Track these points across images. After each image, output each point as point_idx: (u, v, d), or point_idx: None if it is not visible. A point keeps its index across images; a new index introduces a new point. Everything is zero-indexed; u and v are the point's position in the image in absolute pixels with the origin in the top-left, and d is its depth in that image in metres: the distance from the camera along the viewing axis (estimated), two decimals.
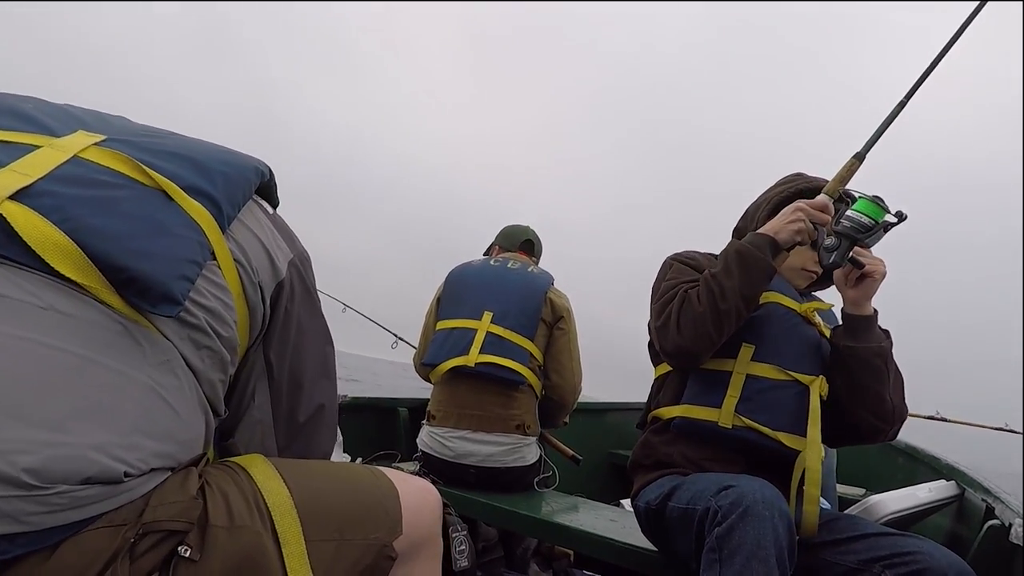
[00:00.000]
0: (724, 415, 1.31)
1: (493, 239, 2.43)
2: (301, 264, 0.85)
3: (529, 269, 2.15)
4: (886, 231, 1.27)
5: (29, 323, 0.60)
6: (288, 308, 0.82)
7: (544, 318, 2.05)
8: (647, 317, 1.44)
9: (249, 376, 0.81)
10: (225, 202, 0.74)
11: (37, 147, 0.70)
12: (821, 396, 1.31)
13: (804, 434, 1.27)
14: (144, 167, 0.70)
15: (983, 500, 1.69)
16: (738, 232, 1.57)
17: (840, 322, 1.37)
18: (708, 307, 1.26)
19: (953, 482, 1.91)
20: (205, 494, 0.66)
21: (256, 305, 0.77)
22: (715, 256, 1.49)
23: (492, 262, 2.18)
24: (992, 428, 3.65)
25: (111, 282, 0.64)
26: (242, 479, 0.70)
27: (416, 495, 0.81)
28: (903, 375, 1.37)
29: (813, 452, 1.24)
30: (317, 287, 0.90)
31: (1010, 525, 1.38)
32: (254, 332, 0.79)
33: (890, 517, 1.67)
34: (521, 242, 2.36)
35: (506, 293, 2.05)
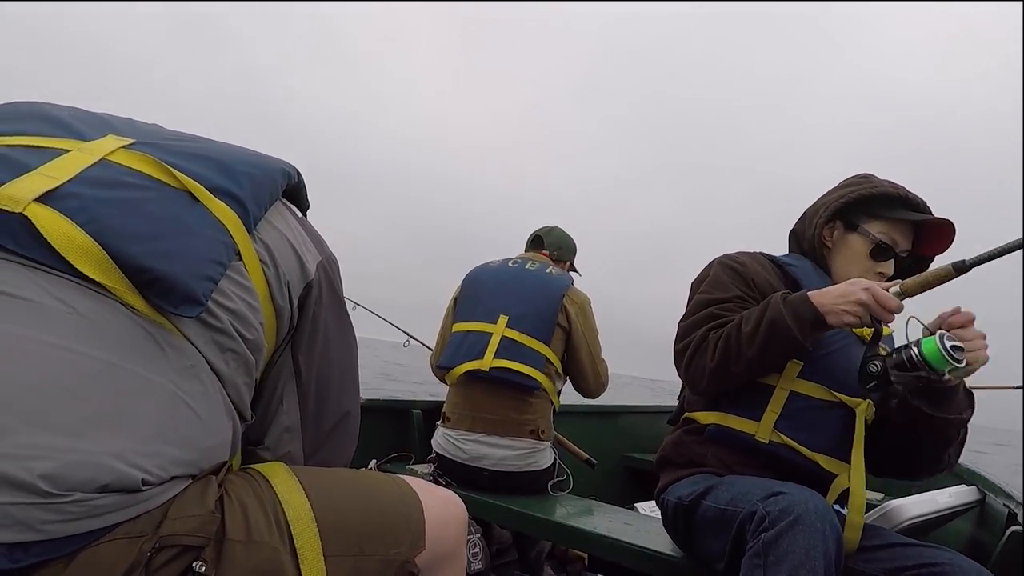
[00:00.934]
0: (762, 429, 1.28)
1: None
2: (329, 267, 0.84)
3: (548, 271, 2.12)
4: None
5: (51, 327, 0.60)
6: (316, 311, 0.81)
7: (560, 323, 2.03)
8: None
9: (277, 380, 0.80)
10: (251, 202, 0.73)
11: (66, 151, 0.70)
12: (866, 420, 1.26)
13: (843, 457, 1.24)
14: (170, 168, 0.70)
15: (1005, 505, 1.66)
16: (795, 236, 1.50)
17: (894, 342, 1.26)
18: (719, 363, 1.23)
19: (974, 487, 1.88)
20: (224, 505, 0.65)
21: (283, 307, 0.77)
22: (767, 259, 1.43)
23: (510, 263, 2.16)
24: (1011, 388, 3.64)
25: (134, 283, 0.64)
26: (262, 489, 0.69)
27: (440, 508, 0.80)
28: None
29: (858, 478, 1.20)
30: None
31: None
32: (281, 334, 0.78)
33: (910, 522, 1.65)
34: (531, 240, 2.35)
35: (522, 296, 2.03)
